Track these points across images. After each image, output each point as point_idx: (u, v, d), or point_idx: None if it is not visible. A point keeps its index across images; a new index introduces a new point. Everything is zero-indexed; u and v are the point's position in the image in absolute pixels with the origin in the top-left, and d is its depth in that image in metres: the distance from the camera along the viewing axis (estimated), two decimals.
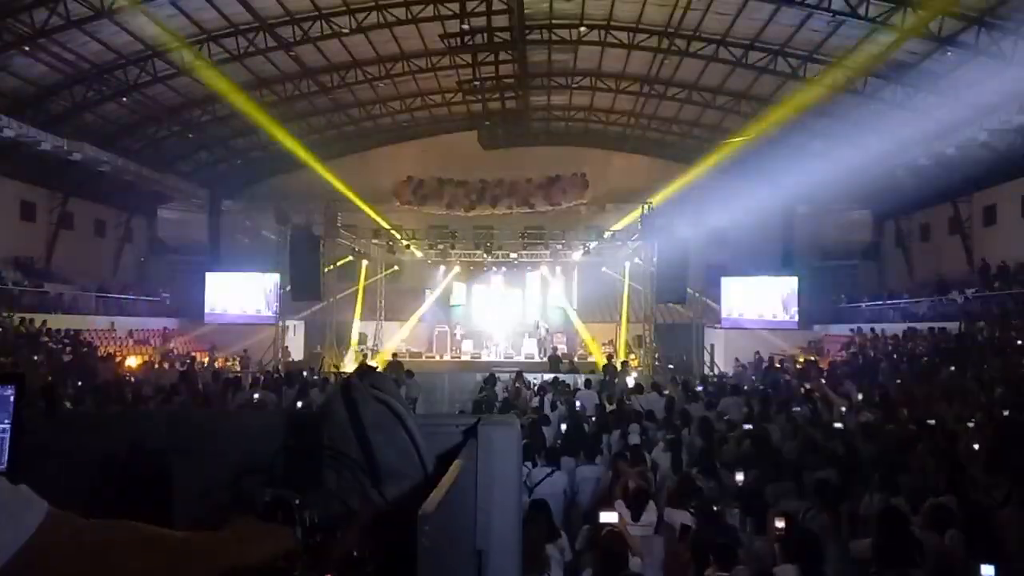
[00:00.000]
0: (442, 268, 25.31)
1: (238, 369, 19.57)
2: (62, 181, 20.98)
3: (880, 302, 22.27)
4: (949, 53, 15.41)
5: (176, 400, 10.80)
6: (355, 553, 1.28)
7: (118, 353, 18.94)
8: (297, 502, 1.25)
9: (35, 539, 0.91)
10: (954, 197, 20.61)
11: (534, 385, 14.44)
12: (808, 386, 13.69)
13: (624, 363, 18.35)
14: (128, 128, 20.93)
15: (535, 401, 12.12)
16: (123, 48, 17.07)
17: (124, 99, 19.13)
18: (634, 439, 8.46)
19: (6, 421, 1.45)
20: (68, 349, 17.18)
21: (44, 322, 17.65)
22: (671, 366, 21.70)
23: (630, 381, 14.45)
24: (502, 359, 22.40)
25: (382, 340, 25.02)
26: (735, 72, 19.45)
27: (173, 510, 1.58)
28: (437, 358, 23.60)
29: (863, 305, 22.81)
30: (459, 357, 23.41)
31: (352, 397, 1.49)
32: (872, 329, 19.82)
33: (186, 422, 1.91)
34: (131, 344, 20.52)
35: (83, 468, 1.60)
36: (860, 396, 12.13)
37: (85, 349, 17.78)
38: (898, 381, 14.26)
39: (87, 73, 17.44)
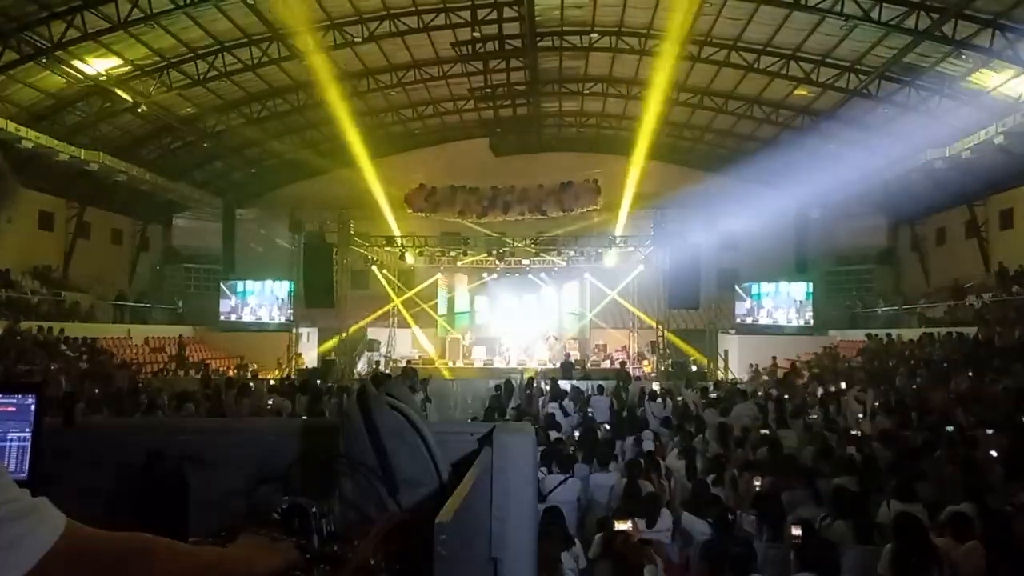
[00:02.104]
0: (455, 275, 25.40)
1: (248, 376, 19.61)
2: (79, 191, 21.25)
3: (896, 307, 22.07)
4: (964, 56, 15.30)
5: (187, 407, 10.84)
6: (372, 561, 1.28)
7: (134, 361, 19.10)
8: (314, 510, 1.25)
9: (53, 552, 0.92)
10: (970, 200, 20.40)
11: (547, 390, 14.36)
12: (824, 391, 13.57)
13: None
14: (143, 138, 21.16)
15: (552, 407, 12.07)
16: (138, 60, 17.24)
17: (139, 110, 19.33)
18: (648, 446, 8.43)
19: (27, 430, 1.47)
20: (85, 357, 17.34)
21: (62, 330, 17.82)
22: (693, 363, 21.64)
23: (656, 387, 14.40)
24: (515, 365, 22.36)
25: (395, 347, 25.06)
26: (747, 76, 19.40)
27: (190, 518, 1.59)
28: (450, 364, 23.60)
29: (879, 310, 22.62)
30: (471, 364, 23.39)
31: (367, 405, 1.49)
32: (888, 334, 19.64)
33: (203, 430, 1.92)
34: (147, 352, 20.67)
35: (102, 476, 1.61)
36: (877, 402, 12.01)
37: (102, 357, 17.93)
38: (914, 387, 14.12)
39: (103, 85, 17.62)
